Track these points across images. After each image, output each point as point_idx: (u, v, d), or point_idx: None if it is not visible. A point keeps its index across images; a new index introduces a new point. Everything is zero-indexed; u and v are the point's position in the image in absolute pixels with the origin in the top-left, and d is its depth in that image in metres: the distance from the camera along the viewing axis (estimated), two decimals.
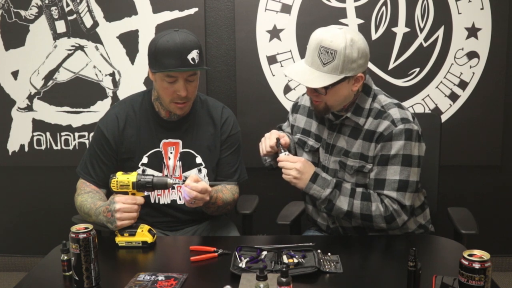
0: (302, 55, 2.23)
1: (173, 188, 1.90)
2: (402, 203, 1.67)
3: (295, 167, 1.68)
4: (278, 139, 1.78)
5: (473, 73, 2.64)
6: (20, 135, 2.84)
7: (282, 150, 1.75)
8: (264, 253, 1.52)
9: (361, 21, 2.60)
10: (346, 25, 2.59)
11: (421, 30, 2.61)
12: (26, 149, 2.85)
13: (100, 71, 2.75)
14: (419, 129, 1.71)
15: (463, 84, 2.66)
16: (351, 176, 1.74)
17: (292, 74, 1.69)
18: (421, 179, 1.78)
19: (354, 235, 1.81)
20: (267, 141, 1.80)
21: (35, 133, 2.84)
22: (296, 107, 1.97)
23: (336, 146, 1.78)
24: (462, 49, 2.62)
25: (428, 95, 2.67)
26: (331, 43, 1.60)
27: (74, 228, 1.37)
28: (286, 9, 2.62)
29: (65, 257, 1.43)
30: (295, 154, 1.93)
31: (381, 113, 1.70)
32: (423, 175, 1.76)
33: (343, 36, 1.60)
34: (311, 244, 1.56)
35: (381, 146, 1.68)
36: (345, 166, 1.75)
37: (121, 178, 1.66)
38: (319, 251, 1.53)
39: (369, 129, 1.71)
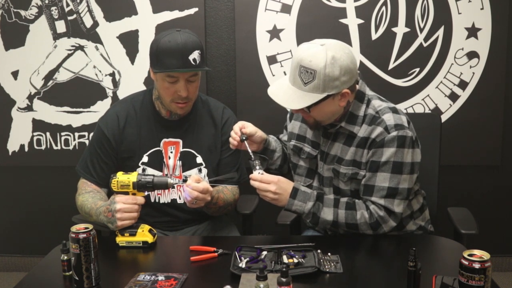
0: None
1: (173, 187, 1.90)
2: (390, 210, 1.65)
3: (269, 189, 1.64)
4: (243, 135, 1.75)
5: (473, 73, 2.64)
6: (20, 135, 2.84)
7: (257, 167, 1.69)
8: (264, 253, 1.52)
9: (361, 21, 2.60)
10: (346, 25, 2.60)
11: (421, 30, 2.60)
12: (26, 149, 2.85)
13: (100, 71, 2.75)
14: (414, 134, 1.68)
15: (463, 84, 2.66)
16: (345, 183, 1.73)
17: (273, 94, 1.66)
18: (421, 179, 1.77)
19: (354, 235, 1.81)
20: (232, 134, 1.79)
21: (35, 133, 2.84)
22: (292, 114, 1.94)
23: (329, 154, 1.75)
24: (462, 49, 2.61)
25: (428, 95, 2.67)
26: (310, 63, 1.56)
27: (74, 228, 1.37)
28: (286, 9, 2.61)
29: (65, 257, 1.43)
30: (283, 161, 1.92)
31: (376, 119, 1.67)
32: (423, 175, 1.76)
33: (323, 55, 1.56)
34: (311, 244, 1.56)
35: (372, 152, 1.65)
36: (339, 174, 1.73)
37: (122, 178, 1.66)
38: (319, 251, 1.53)
39: (363, 136, 1.68)
